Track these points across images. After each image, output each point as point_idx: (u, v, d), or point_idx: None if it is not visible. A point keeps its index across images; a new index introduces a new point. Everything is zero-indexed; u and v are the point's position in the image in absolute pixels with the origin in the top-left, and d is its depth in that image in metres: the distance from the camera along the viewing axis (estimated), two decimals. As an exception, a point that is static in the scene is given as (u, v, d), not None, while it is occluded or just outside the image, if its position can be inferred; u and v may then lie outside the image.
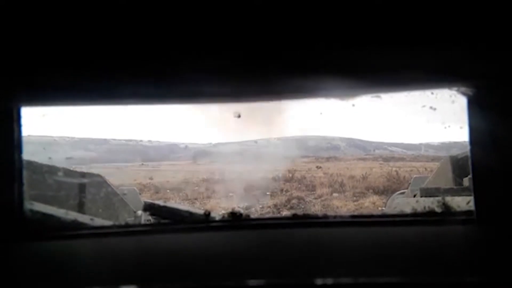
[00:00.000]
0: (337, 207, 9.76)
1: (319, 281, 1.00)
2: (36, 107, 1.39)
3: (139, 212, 2.77)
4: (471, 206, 1.33)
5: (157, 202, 1.69)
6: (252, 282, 1.01)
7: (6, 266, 1.16)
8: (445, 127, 2.27)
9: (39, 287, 1.07)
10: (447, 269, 1.05)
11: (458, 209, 1.44)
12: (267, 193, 11.57)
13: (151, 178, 13.14)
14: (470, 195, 1.36)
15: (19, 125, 1.31)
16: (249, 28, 1.04)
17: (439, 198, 1.54)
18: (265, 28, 1.04)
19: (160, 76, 1.17)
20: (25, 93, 1.25)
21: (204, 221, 1.47)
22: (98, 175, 3.05)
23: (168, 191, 12.00)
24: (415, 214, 1.43)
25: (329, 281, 0.99)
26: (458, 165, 3.62)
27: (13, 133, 1.28)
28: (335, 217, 1.42)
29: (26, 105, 1.32)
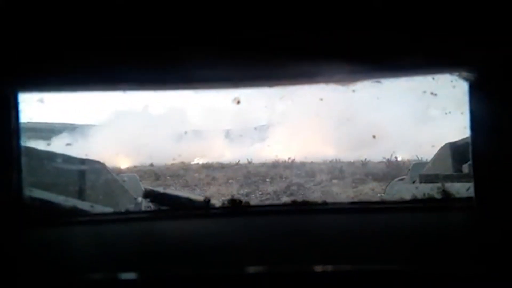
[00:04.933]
0: (337, 194, 9.79)
1: (318, 268, 1.00)
2: (34, 93, 1.38)
3: (139, 199, 2.78)
4: (471, 192, 1.33)
5: (157, 189, 1.69)
6: (252, 269, 1.01)
7: (6, 252, 1.17)
8: (446, 113, 2.26)
9: (39, 273, 1.07)
10: (447, 255, 1.05)
11: (457, 196, 1.44)
12: (267, 179, 11.59)
13: (151, 165, 13.16)
14: (470, 182, 1.35)
15: (17, 112, 1.29)
16: (247, 13, 1.03)
17: (439, 185, 1.54)
18: (264, 13, 1.02)
19: (159, 62, 1.16)
20: (23, 79, 1.24)
21: (204, 208, 1.47)
22: (98, 162, 3.05)
23: (168, 177, 12.03)
24: (414, 201, 1.43)
25: (329, 268, 1.00)
26: (457, 152, 3.62)
27: (10, 120, 1.27)
28: (334, 204, 1.42)
29: (24, 91, 1.30)
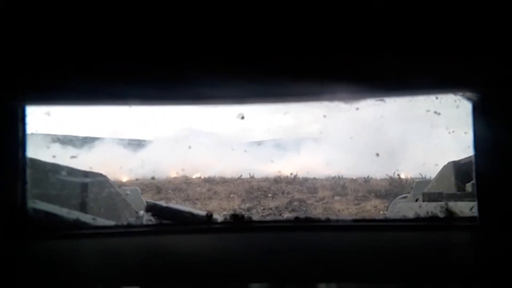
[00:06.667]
0: (339, 210, 9.74)
1: (321, 286, 0.99)
2: (41, 106, 1.39)
3: (141, 212, 2.77)
4: (474, 212, 1.32)
5: (159, 202, 1.68)
6: (254, 286, 1.01)
7: (9, 264, 1.17)
8: (449, 132, 2.27)
9: (41, 285, 1.07)
10: (450, 275, 1.05)
11: (461, 215, 1.43)
12: (269, 195, 11.55)
13: (153, 178, 13.16)
14: (473, 201, 1.35)
15: (24, 124, 1.31)
16: (254, 32, 1.04)
17: (442, 203, 1.53)
18: (270, 33, 1.04)
19: (165, 78, 1.17)
20: (30, 92, 1.26)
21: (206, 223, 1.47)
22: (101, 175, 3.05)
23: (169, 191, 12.01)
24: (418, 219, 1.42)
25: (332, 286, 0.99)
26: (461, 170, 3.61)
27: (17, 132, 1.28)
28: (337, 221, 1.41)
29: (31, 104, 1.32)
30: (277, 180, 12.92)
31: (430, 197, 3.22)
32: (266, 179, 13.07)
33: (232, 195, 11.50)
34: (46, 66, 1.15)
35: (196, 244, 1.31)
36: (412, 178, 10.60)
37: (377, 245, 1.25)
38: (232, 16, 0.99)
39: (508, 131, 1.22)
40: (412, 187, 4.95)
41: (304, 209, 10.07)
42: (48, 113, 1.49)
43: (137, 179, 12.39)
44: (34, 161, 1.82)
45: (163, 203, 1.68)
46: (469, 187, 3.20)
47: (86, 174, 2.64)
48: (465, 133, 1.40)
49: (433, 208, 1.51)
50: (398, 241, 1.28)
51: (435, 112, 1.72)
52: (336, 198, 10.99)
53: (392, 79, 1.18)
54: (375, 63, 1.11)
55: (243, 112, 1.60)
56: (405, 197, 4.58)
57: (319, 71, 1.12)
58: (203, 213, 1.55)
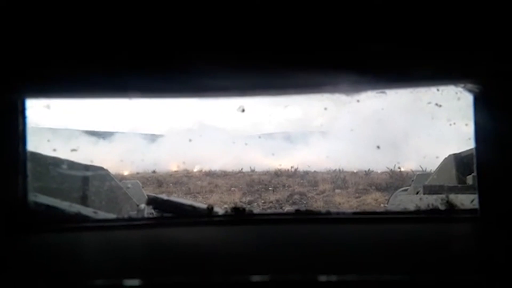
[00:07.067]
0: (339, 203, 9.77)
1: (322, 278, 1.00)
2: (41, 99, 1.39)
3: (142, 206, 2.78)
4: (475, 204, 1.32)
5: (160, 196, 1.69)
6: (255, 277, 1.01)
7: (10, 257, 1.17)
8: (450, 124, 2.27)
9: (42, 279, 1.07)
10: (450, 267, 1.05)
11: (462, 207, 1.43)
12: (270, 188, 11.59)
13: (154, 172, 13.20)
14: (474, 193, 1.35)
15: (24, 117, 1.31)
16: (254, 23, 1.04)
17: (443, 196, 1.53)
18: (271, 23, 1.03)
19: (165, 70, 1.17)
20: (31, 85, 1.25)
21: (207, 216, 1.47)
22: (102, 168, 3.06)
23: (171, 184, 12.05)
24: (418, 212, 1.43)
25: (333, 278, 0.99)
26: (461, 163, 3.62)
27: (17, 125, 1.28)
28: (338, 213, 1.42)
29: (32, 97, 1.32)
30: (278, 173, 12.94)
31: (431, 190, 3.23)
32: (267, 173, 13.10)
33: (233, 189, 11.53)
34: (46, 59, 1.15)
35: (197, 236, 1.32)
36: (412, 171, 10.62)
37: (377, 237, 1.25)
38: (234, 8, 0.99)
39: (509, 123, 1.22)
40: (412, 180, 4.97)
41: (304, 202, 10.11)
42: (48, 106, 1.49)
43: (138, 173, 12.43)
44: (35, 155, 1.82)
45: (164, 196, 1.69)
46: (470, 179, 3.21)
47: (87, 167, 2.64)
48: (466, 125, 1.40)
49: (433, 200, 1.51)
50: (399, 233, 1.29)
51: (436, 104, 1.71)
52: (337, 191, 11.02)
53: (393, 71, 1.17)
54: (376, 54, 1.11)
55: (245, 105, 1.61)
56: (406, 190, 4.60)
57: (320, 63, 1.12)
58: (204, 206, 1.55)
